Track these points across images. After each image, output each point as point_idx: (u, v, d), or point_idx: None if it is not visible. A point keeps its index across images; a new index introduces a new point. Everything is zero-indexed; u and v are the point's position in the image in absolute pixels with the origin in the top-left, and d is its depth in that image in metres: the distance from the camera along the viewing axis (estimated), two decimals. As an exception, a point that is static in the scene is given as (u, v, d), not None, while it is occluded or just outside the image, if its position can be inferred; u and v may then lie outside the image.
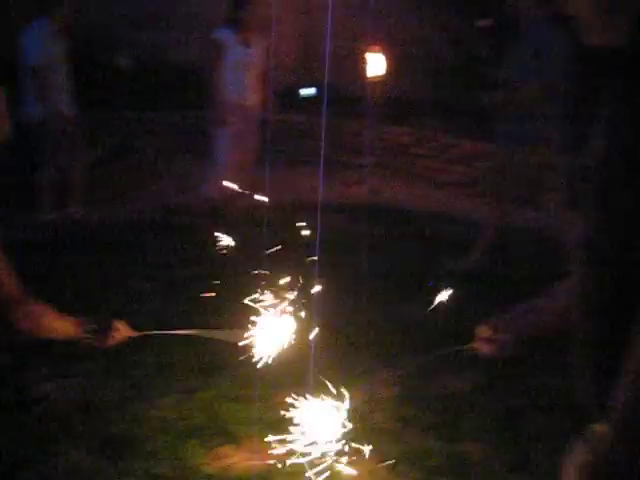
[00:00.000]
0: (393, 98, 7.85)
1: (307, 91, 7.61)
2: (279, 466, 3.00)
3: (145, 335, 2.36)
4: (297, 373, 3.69)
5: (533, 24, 4.80)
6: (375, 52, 6.82)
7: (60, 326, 2.20)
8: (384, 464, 3.00)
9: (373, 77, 6.82)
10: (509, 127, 4.97)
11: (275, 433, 3.22)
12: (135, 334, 2.33)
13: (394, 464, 3.00)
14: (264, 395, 3.50)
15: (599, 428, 1.19)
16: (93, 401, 3.42)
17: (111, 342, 2.29)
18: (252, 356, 2.47)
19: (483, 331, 1.80)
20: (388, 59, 6.80)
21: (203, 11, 8.74)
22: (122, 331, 2.31)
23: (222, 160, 5.97)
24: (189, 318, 4.05)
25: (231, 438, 3.19)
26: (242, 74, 5.82)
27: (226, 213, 6.23)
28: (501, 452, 3.05)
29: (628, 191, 1.14)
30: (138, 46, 9.42)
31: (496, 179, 5.21)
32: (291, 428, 2.61)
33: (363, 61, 6.88)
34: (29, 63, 5.82)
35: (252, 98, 5.96)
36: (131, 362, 3.64)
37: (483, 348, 1.81)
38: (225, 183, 6.04)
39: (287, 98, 8.85)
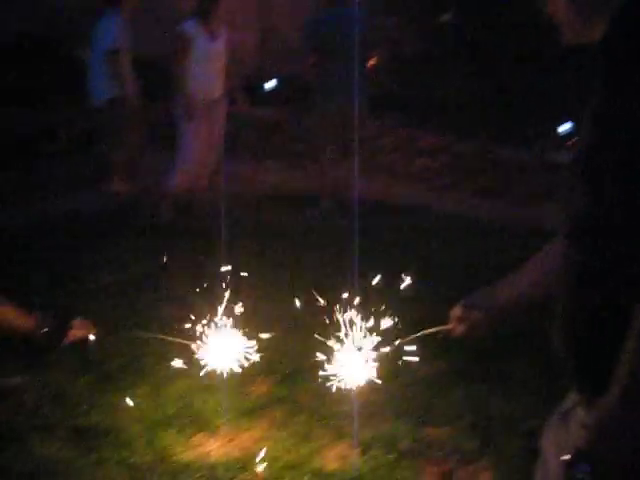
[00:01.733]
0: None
1: (270, 84, 7.64)
2: (254, 453, 3.08)
3: (104, 336, 2.38)
4: (267, 364, 3.76)
5: None
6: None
7: (15, 321, 2.18)
8: (355, 449, 3.09)
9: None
10: None
11: (248, 421, 3.30)
12: (94, 333, 2.34)
13: (365, 448, 3.08)
14: (236, 384, 3.55)
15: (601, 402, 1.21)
16: (65, 393, 3.43)
17: (67, 341, 2.29)
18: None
19: (456, 311, 1.82)
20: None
21: (166, 2, 8.69)
22: (80, 330, 2.31)
23: (187, 154, 5.97)
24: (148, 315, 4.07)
25: (205, 426, 3.23)
26: (208, 67, 5.83)
27: (190, 207, 6.25)
28: (469, 435, 3.16)
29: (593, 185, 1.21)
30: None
31: None
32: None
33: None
34: (105, 48, 6.13)
35: (217, 91, 5.98)
36: (102, 354, 3.65)
37: (456, 329, 1.82)
38: (190, 177, 6.09)
39: (249, 91, 8.87)
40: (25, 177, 6.81)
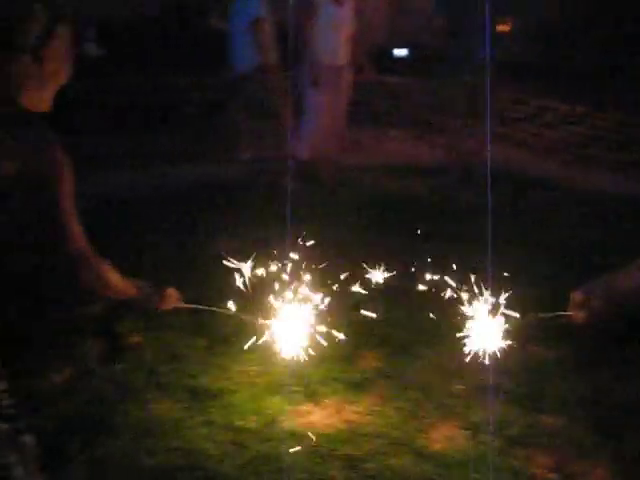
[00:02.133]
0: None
1: (400, 51, 7.47)
2: (358, 427, 3.04)
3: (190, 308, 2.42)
4: (378, 335, 3.71)
5: None
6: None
7: (122, 286, 2.24)
8: (464, 431, 2.99)
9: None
10: None
11: (355, 394, 3.26)
12: (181, 306, 2.38)
13: (473, 431, 2.97)
14: (345, 356, 3.52)
15: None
16: (181, 354, 3.54)
17: (160, 308, 2.33)
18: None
19: (578, 297, 1.71)
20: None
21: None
22: (171, 300, 2.36)
23: (313, 121, 5.96)
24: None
25: (312, 396, 3.23)
26: (334, 34, 5.77)
27: (315, 174, 6.26)
28: (587, 427, 2.97)
29: None
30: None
31: None
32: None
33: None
34: (249, 17, 6.18)
35: (344, 58, 5.91)
36: (218, 318, 3.71)
37: (577, 316, 1.72)
38: (315, 144, 6.08)
39: (378, 59, 8.73)
40: (157, 142, 7.07)
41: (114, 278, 2.20)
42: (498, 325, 2.15)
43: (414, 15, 8.93)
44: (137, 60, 8.47)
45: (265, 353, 3.47)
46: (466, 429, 2.99)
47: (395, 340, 3.64)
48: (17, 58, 1.97)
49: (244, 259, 4.64)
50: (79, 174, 1.96)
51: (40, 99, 2.03)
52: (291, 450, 2.86)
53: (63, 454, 2.78)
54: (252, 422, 3.05)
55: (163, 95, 8.21)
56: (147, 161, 6.81)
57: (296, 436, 2.95)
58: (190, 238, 4.96)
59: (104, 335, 3.65)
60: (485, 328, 2.17)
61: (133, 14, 9.03)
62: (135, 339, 3.62)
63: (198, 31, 9.55)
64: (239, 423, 3.04)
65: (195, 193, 5.93)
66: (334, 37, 5.79)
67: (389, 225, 5.22)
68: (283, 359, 3.43)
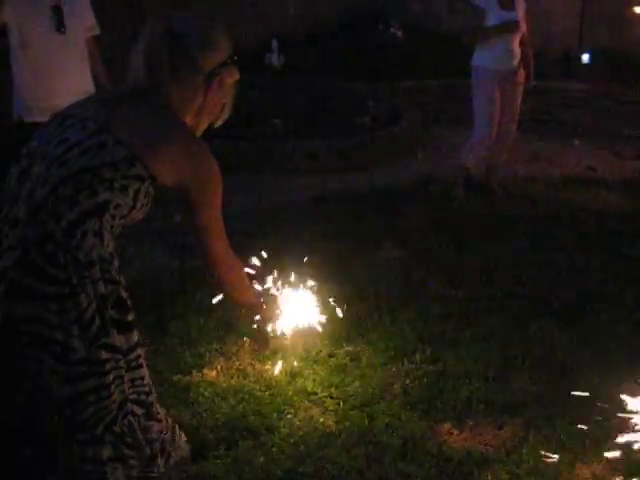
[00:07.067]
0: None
1: (585, 56, 7.06)
2: (498, 452, 2.89)
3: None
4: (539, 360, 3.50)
5: None
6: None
7: (251, 293, 2.36)
8: (615, 472, 2.74)
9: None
10: None
11: (501, 417, 3.10)
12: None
13: (626, 476, 2.72)
14: (498, 378, 3.37)
15: None
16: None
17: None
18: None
19: None
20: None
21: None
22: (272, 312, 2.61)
23: (481, 130, 5.79)
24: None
25: (454, 416, 3.11)
26: (503, 39, 5.55)
27: (481, 184, 6.07)
28: None
29: None
30: (408, 16, 9.46)
31: None
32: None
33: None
34: None
35: (514, 64, 5.68)
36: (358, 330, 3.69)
37: None
38: (486, 153, 5.87)
39: (562, 64, 8.28)
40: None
41: (246, 285, 2.29)
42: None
43: (609, 15, 8.38)
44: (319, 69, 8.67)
45: (405, 368, 3.42)
46: (619, 470, 2.74)
47: (554, 366, 3.44)
48: (194, 76, 2.01)
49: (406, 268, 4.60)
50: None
51: (192, 124, 2.07)
52: (423, 471, 2.78)
53: (206, 450, 2.88)
54: (390, 437, 2.99)
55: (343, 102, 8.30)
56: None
57: (428, 456, 2.86)
58: (354, 244, 4.97)
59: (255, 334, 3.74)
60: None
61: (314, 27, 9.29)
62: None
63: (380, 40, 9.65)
64: (378, 437, 2.99)
65: (364, 200, 5.94)
66: (504, 42, 5.58)
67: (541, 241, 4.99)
68: (427, 376, 3.37)
